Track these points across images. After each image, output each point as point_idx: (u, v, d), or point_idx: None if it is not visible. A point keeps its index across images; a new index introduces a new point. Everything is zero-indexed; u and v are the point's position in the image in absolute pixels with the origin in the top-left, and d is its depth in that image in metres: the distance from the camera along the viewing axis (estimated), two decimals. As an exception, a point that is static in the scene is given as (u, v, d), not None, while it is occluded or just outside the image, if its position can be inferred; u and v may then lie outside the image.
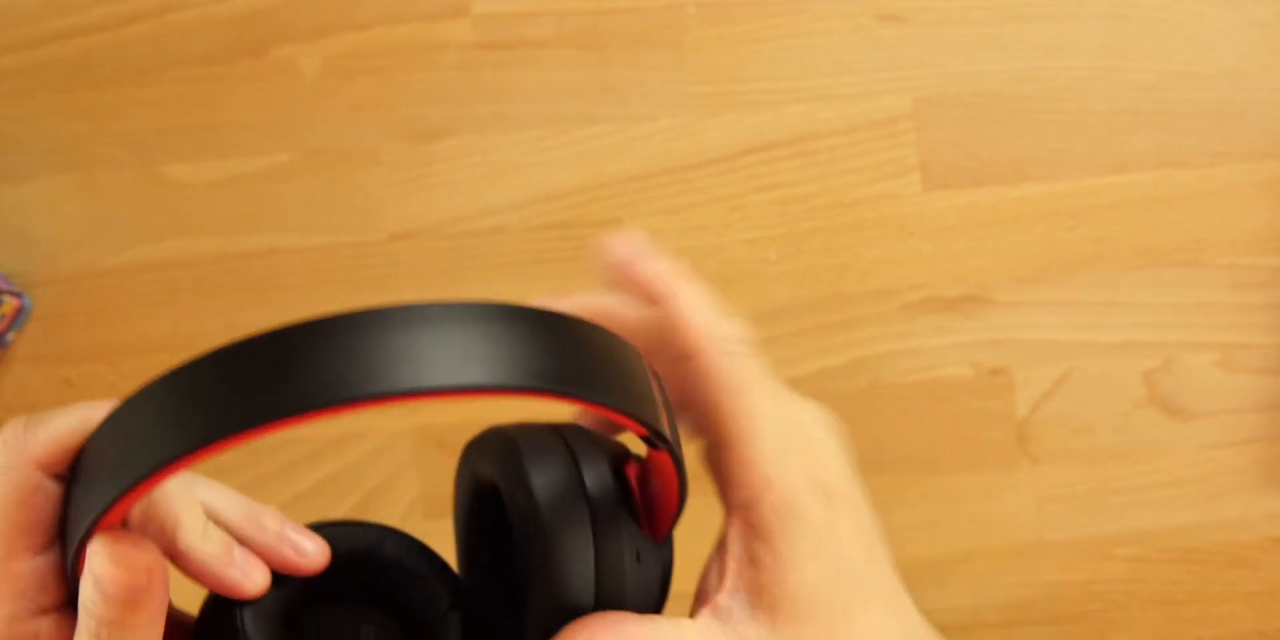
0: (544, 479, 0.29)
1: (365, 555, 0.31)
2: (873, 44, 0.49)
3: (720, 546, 0.31)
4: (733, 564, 0.30)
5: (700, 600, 0.31)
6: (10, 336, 0.48)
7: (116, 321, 0.48)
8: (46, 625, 0.25)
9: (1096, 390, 0.48)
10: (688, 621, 0.30)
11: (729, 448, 0.29)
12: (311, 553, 0.28)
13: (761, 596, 0.29)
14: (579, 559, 0.28)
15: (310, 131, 0.49)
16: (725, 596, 0.30)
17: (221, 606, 0.27)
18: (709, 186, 0.49)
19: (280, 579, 0.28)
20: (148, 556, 0.24)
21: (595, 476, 0.29)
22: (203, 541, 0.27)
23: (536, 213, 0.49)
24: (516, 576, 0.31)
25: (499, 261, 0.49)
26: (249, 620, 0.28)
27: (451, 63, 0.49)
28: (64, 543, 0.24)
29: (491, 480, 0.31)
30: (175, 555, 0.26)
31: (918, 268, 0.49)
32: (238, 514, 0.28)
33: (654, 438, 0.26)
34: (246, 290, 0.49)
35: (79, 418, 0.25)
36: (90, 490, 0.23)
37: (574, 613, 0.28)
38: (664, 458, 0.27)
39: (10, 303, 0.46)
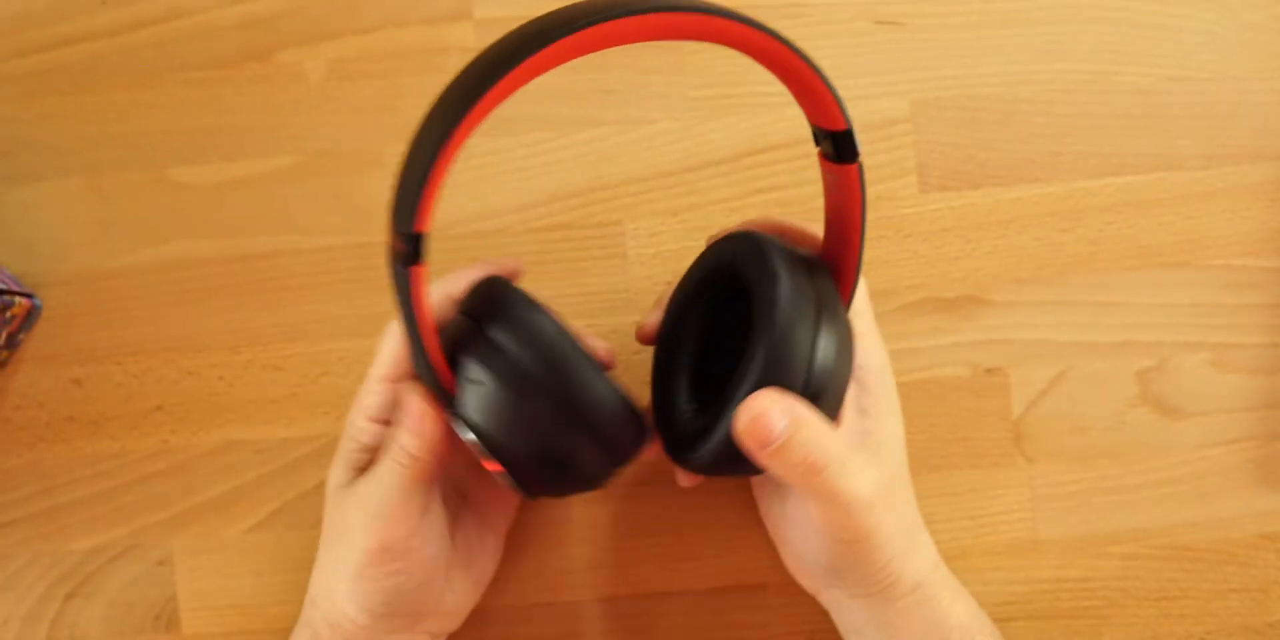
0: (790, 279, 0.38)
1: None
2: (870, 48, 0.49)
3: None
4: (847, 412, 0.41)
5: None
6: (21, 337, 0.49)
7: (123, 322, 0.49)
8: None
9: (1091, 390, 0.49)
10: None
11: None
12: None
13: (870, 436, 0.41)
14: (803, 345, 0.37)
15: (314, 134, 0.49)
16: (841, 432, 0.40)
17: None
18: (709, 188, 0.49)
19: None
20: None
21: (826, 286, 0.40)
22: None
23: (538, 214, 0.49)
24: (728, 350, 0.41)
25: (501, 263, 0.49)
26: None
27: (454, 66, 0.49)
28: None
29: (734, 266, 0.41)
30: None
31: (915, 269, 0.49)
32: None
33: (847, 137, 0.38)
34: (252, 291, 0.49)
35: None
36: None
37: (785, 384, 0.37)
38: (850, 172, 0.38)
39: (21, 303, 0.47)
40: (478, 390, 0.37)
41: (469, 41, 0.49)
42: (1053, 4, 0.49)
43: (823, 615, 0.46)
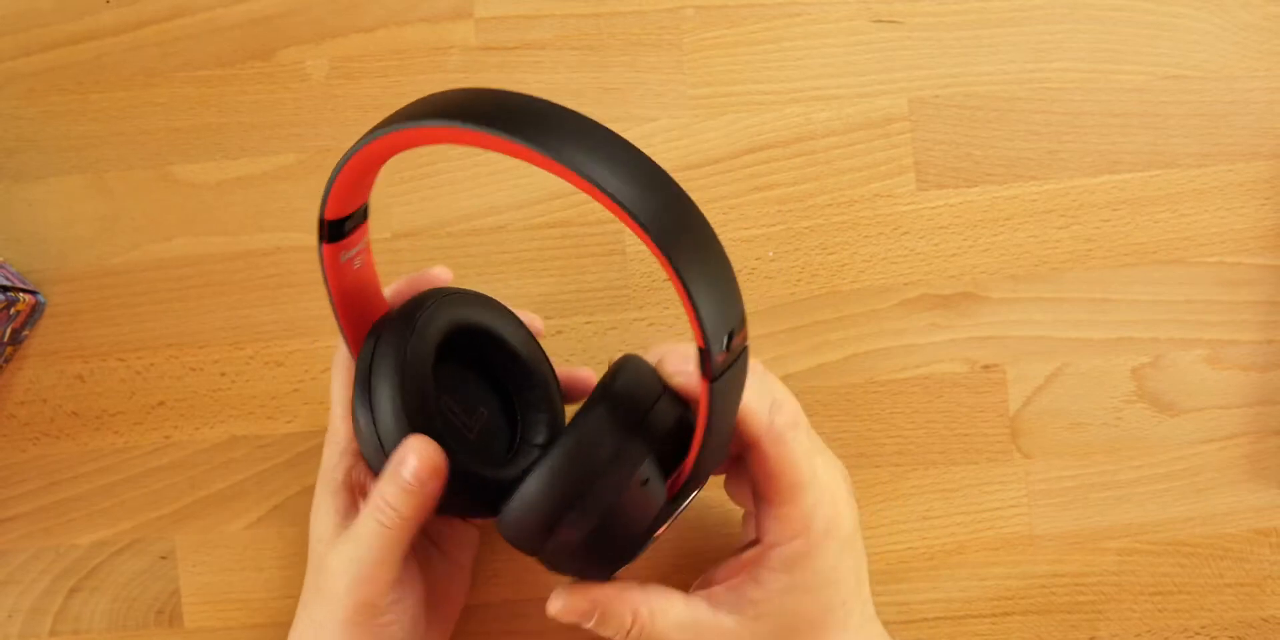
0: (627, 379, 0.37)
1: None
2: (868, 46, 0.50)
3: (737, 554, 0.40)
4: (743, 573, 0.38)
5: (702, 584, 0.40)
6: (25, 333, 0.49)
7: (126, 318, 0.49)
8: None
9: (1087, 386, 0.49)
10: (680, 594, 0.38)
11: (770, 505, 0.38)
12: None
13: (756, 606, 0.38)
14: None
15: (317, 132, 0.50)
16: (722, 590, 0.39)
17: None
18: (707, 186, 0.50)
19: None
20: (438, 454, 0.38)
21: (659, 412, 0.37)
22: None
23: (537, 212, 0.49)
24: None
25: (500, 259, 0.49)
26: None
27: (455, 64, 0.50)
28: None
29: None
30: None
31: (913, 266, 0.49)
32: None
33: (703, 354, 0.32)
34: (254, 288, 0.49)
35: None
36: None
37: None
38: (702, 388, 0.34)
39: (25, 300, 0.47)
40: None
41: (470, 40, 0.50)
42: (1050, 3, 0.50)
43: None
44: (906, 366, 0.49)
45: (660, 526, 0.37)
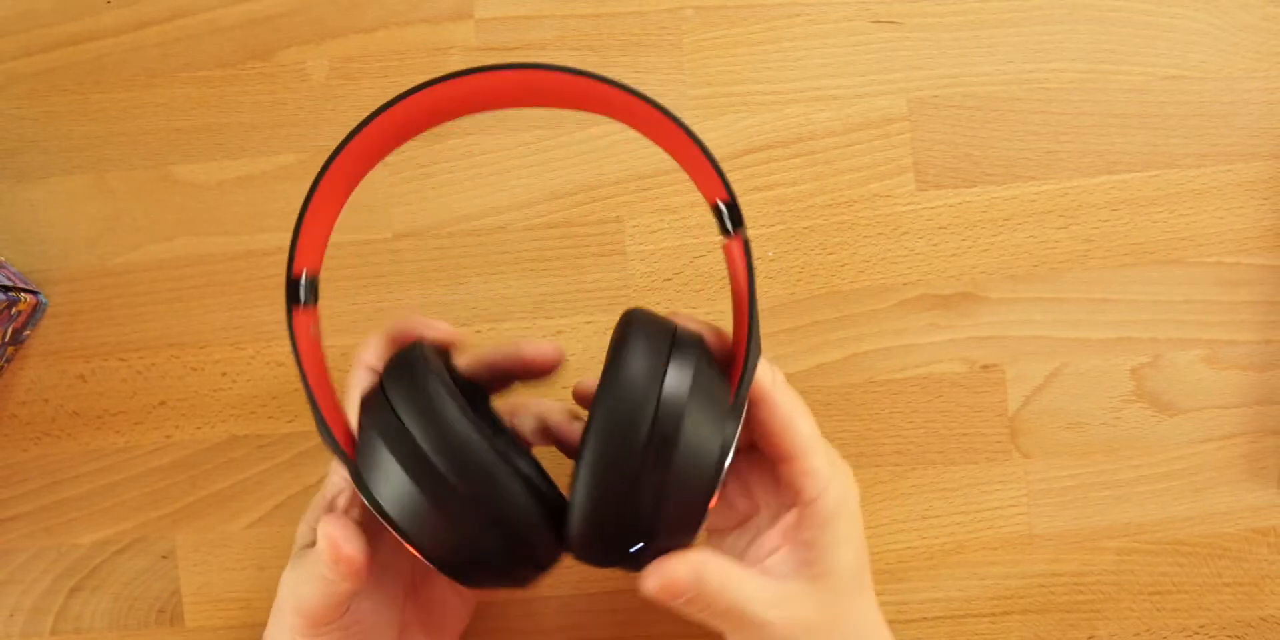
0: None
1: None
2: (868, 47, 0.50)
3: (765, 528, 0.40)
4: (785, 541, 0.39)
5: (748, 564, 0.40)
6: (26, 333, 0.49)
7: (128, 318, 0.49)
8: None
9: (1086, 386, 0.49)
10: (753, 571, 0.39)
11: (793, 460, 0.39)
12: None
13: (812, 566, 0.39)
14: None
15: (317, 132, 0.50)
16: (777, 561, 0.40)
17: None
18: (707, 186, 0.50)
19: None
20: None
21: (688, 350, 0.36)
22: None
23: (537, 212, 0.49)
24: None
25: (500, 259, 0.49)
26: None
27: (455, 65, 0.50)
28: None
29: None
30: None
31: (912, 266, 0.50)
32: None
33: (730, 208, 0.36)
34: (255, 288, 0.49)
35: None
36: None
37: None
38: (734, 245, 0.36)
39: (27, 300, 0.47)
40: (382, 471, 0.35)
41: (470, 41, 0.50)
42: (1049, 3, 0.50)
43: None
44: (906, 366, 0.49)
45: (728, 455, 0.36)
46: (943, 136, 0.50)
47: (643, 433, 0.34)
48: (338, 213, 0.38)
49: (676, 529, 0.36)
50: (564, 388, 0.49)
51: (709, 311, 0.49)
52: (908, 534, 0.49)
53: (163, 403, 0.49)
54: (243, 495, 0.49)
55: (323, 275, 0.49)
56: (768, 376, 0.39)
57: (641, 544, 0.35)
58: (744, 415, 0.37)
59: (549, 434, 0.42)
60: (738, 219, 0.37)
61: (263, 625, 0.48)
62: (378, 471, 0.35)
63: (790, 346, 0.49)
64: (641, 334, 0.36)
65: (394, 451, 0.34)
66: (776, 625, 0.38)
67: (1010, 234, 0.50)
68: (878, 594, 0.48)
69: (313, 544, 0.39)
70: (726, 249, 0.39)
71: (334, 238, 0.49)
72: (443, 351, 0.40)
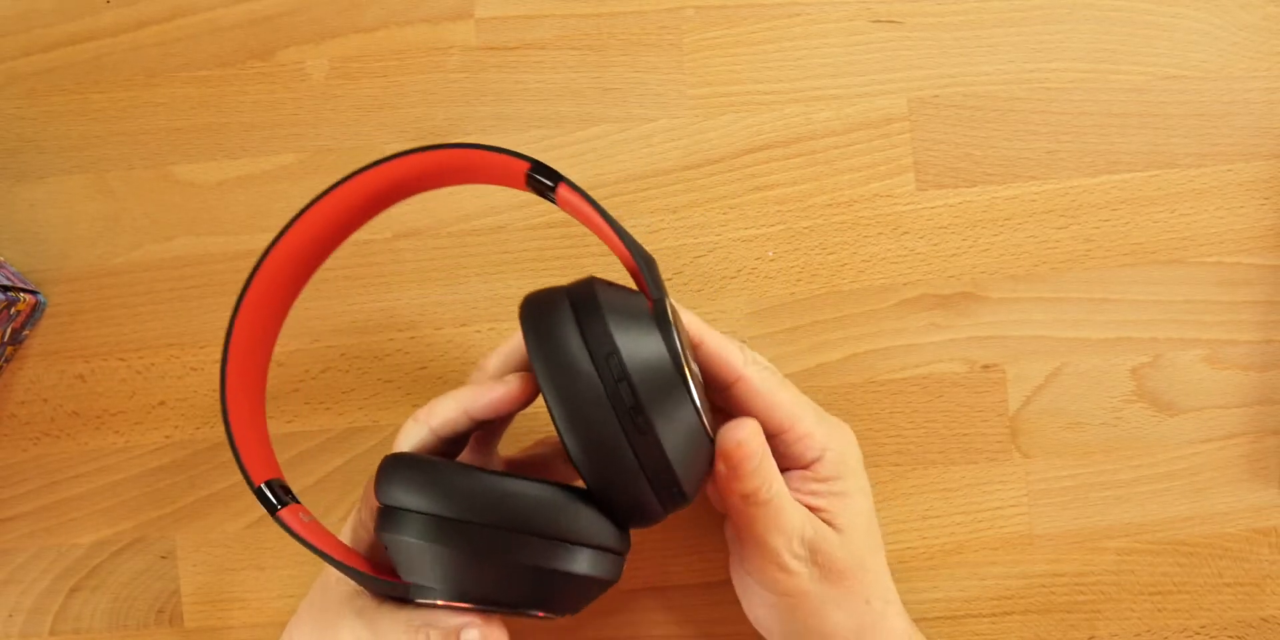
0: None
1: None
2: (868, 46, 0.50)
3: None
4: (801, 498, 0.41)
5: None
6: (25, 333, 0.49)
7: (127, 318, 0.49)
8: None
9: (1086, 385, 0.49)
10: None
11: (784, 431, 0.40)
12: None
13: (829, 522, 0.40)
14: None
15: (317, 132, 0.50)
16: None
17: None
18: (707, 186, 0.50)
19: None
20: None
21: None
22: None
23: (537, 212, 0.49)
24: None
25: (500, 259, 0.49)
26: None
27: (455, 65, 0.50)
28: None
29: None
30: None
31: (912, 265, 0.50)
32: None
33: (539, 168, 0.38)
34: (254, 287, 0.49)
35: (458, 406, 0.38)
36: None
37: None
38: (566, 196, 0.38)
39: (26, 300, 0.47)
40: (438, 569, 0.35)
41: (470, 40, 0.50)
42: (1049, 3, 0.50)
43: (820, 609, 0.47)
44: (906, 366, 0.49)
45: (679, 351, 0.36)
46: (943, 136, 0.50)
47: (599, 386, 0.34)
48: (263, 413, 0.41)
49: (681, 429, 0.36)
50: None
51: (710, 311, 0.49)
52: (908, 534, 0.49)
53: (163, 403, 0.49)
54: (243, 495, 0.49)
55: (321, 276, 0.49)
56: (738, 356, 0.40)
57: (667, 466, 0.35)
58: (675, 321, 0.37)
59: (541, 467, 0.44)
60: (550, 174, 0.38)
61: (262, 625, 0.48)
62: (422, 566, 0.35)
63: (790, 346, 0.49)
64: (537, 318, 0.36)
65: (425, 537, 0.35)
66: (780, 535, 0.39)
67: (1011, 234, 0.49)
68: (878, 594, 0.48)
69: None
70: (562, 203, 0.39)
71: (334, 237, 0.49)
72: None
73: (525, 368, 0.41)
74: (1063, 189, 0.50)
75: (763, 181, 0.50)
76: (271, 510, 0.37)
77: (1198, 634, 0.49)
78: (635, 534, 0.49)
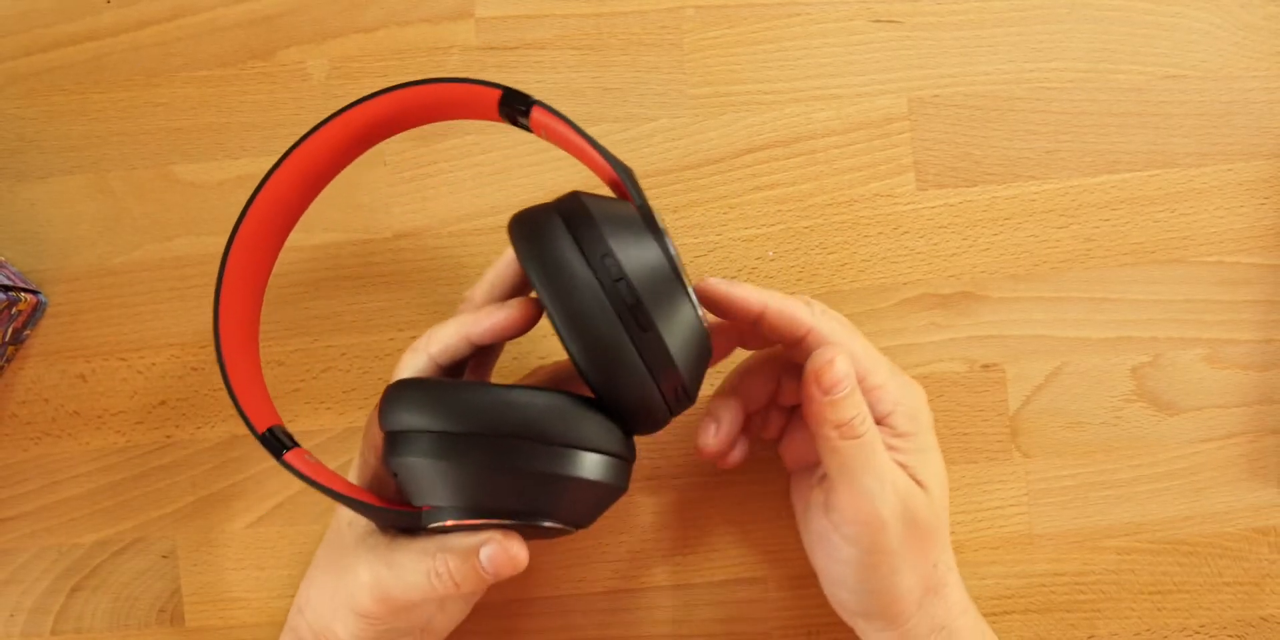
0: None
1: None
2: (868, 46, 0.50)
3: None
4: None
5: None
6: (27, 333, 0.49)
7: (128, 318, 0.49)
8: None
9: (1087, 385, 0.49)
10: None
11: (860, 380, 0.40)
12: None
13: (914, 478, 0.41)
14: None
15: (317, 132, 0.50)
16: None
17: None
18: (707, 185, 0.50)
19: None
20: None
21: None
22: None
23: (538, 212, 0.49)
24: None
25: (502, 259, 0.49)
26: None
27: (455, 64, 0.50)
28: None
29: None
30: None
31: (912, 265, 0.50)
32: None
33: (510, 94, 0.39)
34: (255, 287, 0.49)
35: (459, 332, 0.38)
36: None
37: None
38: (540, 120, 0.39)
39: (27, 300, 0.47)
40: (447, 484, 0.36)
41: (470, 40, 0.50)
42: (1049, 3, 0.50)
43: (822, 609, 0.47)
44: (906, 366, 0.49)
45: (673, 258, 0.37)
46: (943, 136, 0.50)
47: (597, 287, 0.35)
48: (258, 365, 0.42)
49: (685, 333, 0.36)
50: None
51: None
52: (908, 533, 0.49)
53: (163, 402, 0.49)
54: (243, 495, 0.49)
55: (322, 275, 0.49)
56: (804, 310, 0.40)
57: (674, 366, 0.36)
58: (660, 226, 0.37)
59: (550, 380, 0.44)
60: (521, 98, 0.39)
61: (262, 625, 0.48)
62: (436, 485, 0.36)
63: (790, 346, 0.49)
64: (529, 232, 0.37)
65: (428, 453, 0.35)
66: (870, 475, 0.39)
67: (1011, 233, 0.50)
68: (878, 593, 0.48)
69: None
70: (536, 127, 0.39)
71: (334, 237, 0.49)
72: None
73: (517, 294, 0.41)
74: (1063, 189, 0.50)
75: (763, 181, 0.50)
76: (277, 454, 0.38)
77: (1198, 633, 0.49)
78: (635, 534, 0.49)
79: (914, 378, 0.49)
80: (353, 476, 0.41)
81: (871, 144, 0.50)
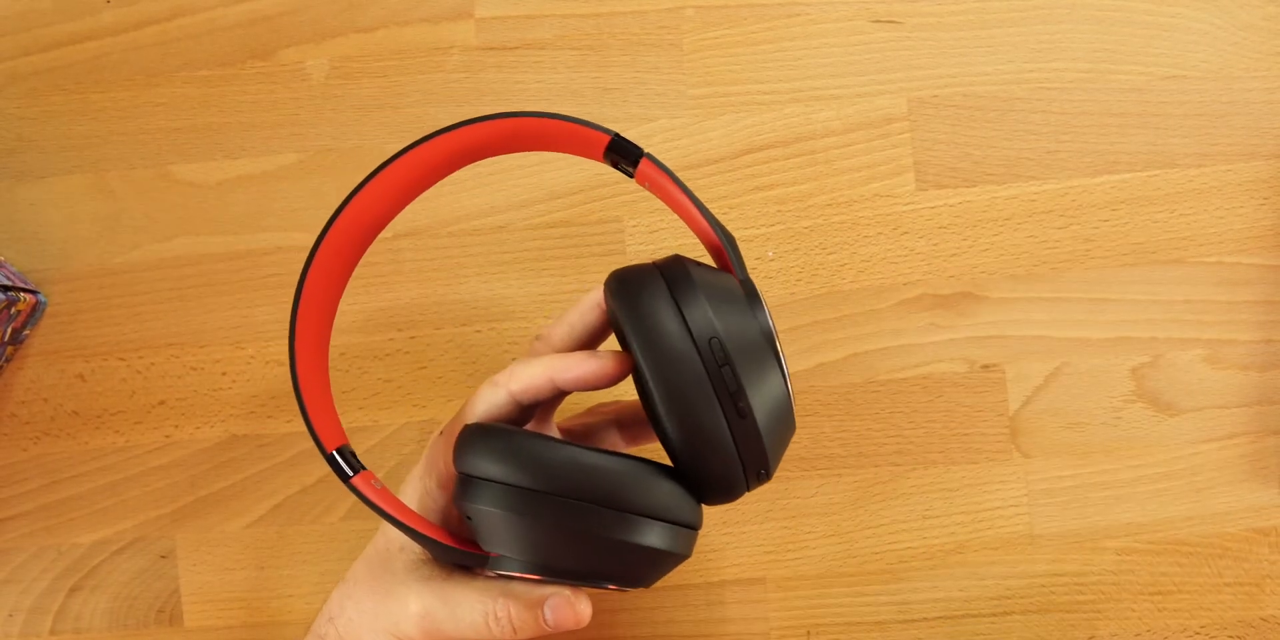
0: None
1: None
2: (868, 46, 0.50)
3: None
4: None
5: None
6: (26, 332, 0.49)
7: (127, 318, 0.49)
8: None
9: (1087, 385, 0.49)
10: None
11: None
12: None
13: None
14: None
15: (317, 132, 0.50)
16: None
17: None
18: (707, 186, 0.50)
19: None
20: None
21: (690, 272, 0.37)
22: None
23: (538, 212, 0.49)
24: None
25: (500, 259, 0.49)
26: None
27: (455, 64, 0.50)
28: None
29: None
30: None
31: (912, 265, 0.50)
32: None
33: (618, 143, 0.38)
34: (254, 288, 0.49)
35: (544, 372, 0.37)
36: None
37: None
38: (648, 172, 0.38)
39: (26, 300, 0.47)
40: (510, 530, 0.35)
41: (470, 40, 0.50)
42: (1049, 3, 0.50)
43: (820, 609, 0.47)
44: (906, 366, 0.49)
45: (772, 333, 0.36)
46: (943, 136, 0.50)
47: (702, 370, 0.34)
48: (328, 387, 0.40)
49: (778, 415, 0.36)
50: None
51: (709, 311, 0.49)
52: (908, 534, 0.49)
53: (162, 402, 0.49)
54: (242, 495, 0.49)
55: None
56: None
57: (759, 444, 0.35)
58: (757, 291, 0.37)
59: (624, 432, 0.43)
60: (631, 148, 0.38)
61: (262, 625, 0.48)
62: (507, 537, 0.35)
63: (790, 346, 0.49)
64: (633, 297, 0.36)
65: (509, 508, 0.35)
66: None
67: (1011, 234, 0.49)
68: (878, 594, 0.48)
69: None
70: (641, 178, 0.39)
71: (334, 237, 0.49)
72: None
73: (594, 340, 0.40)
74: (1063, 189, 0.50)
75: (763, 181, 0.50)
76: (345, 478, 0.37)
77: (1198, 634, 0.49)
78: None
79: (913, 378, 0.49)
80: (407, 498, 0.40)
81: (871, 144, 0.50)
